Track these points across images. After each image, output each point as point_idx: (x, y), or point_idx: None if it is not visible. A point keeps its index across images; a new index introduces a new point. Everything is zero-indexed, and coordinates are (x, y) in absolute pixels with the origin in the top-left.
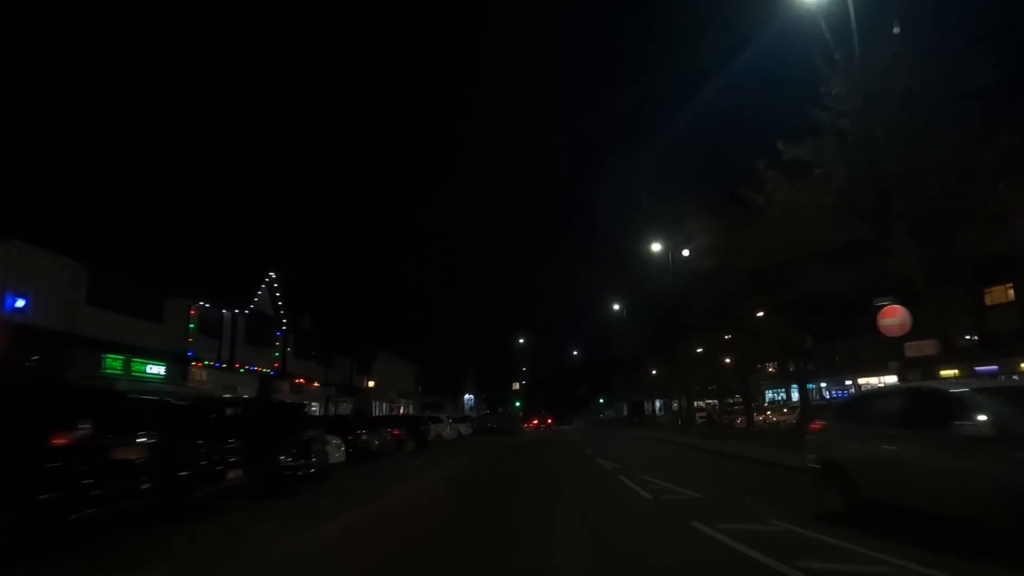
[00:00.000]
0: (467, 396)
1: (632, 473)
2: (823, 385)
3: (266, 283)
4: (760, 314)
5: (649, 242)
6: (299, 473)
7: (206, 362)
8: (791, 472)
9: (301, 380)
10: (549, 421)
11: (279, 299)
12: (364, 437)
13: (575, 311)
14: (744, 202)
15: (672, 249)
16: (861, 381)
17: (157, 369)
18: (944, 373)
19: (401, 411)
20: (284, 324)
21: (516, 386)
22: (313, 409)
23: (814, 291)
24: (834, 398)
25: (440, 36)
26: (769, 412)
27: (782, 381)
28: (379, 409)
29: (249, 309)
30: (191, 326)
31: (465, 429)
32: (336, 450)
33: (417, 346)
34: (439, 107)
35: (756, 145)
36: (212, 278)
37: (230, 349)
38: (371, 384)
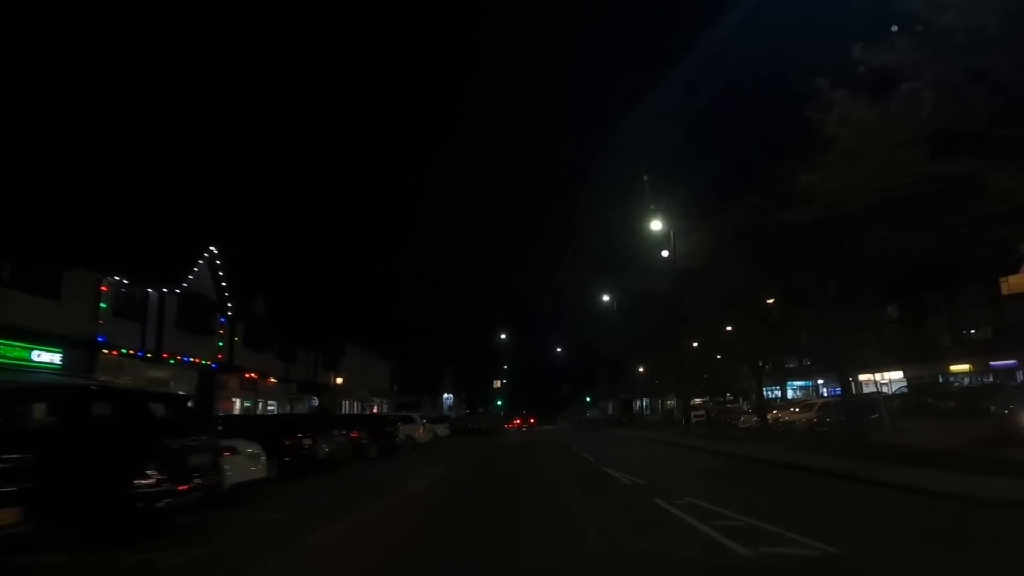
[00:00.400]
0: (446, 395)
1: (670, 494)
2: (820, 382)
3: (205, 259)
4: (771, 301)
5: (649, 225)
6: (160, 504)
7: (123, 350)
8: (917, 496)
9: (253, 375)
10: (532, 421)
11: (222, 279)
12: (307, 443)
13: (559, 308)
14: (792, 147)
15: (675, 230)
16: (862, 378)
17: (49, 356)
18: (954, 368)
19: (375, 410)
20: (229, 309)
21: (497, 384)
22: (270, 408)
23: (872, 258)
24: (832, 395)
25: (419, 33)
26: (775, 411)
27: (776, 378)
28: (350, 408)
29: (182, 288)
30: (102, 305)
31: (442, 430)
32: (253, 462)
33: (393, 342)
34: (428, 104)
35: (811, 68)
36: (131, 248)
37: (157, 335)
38: (339, 381)
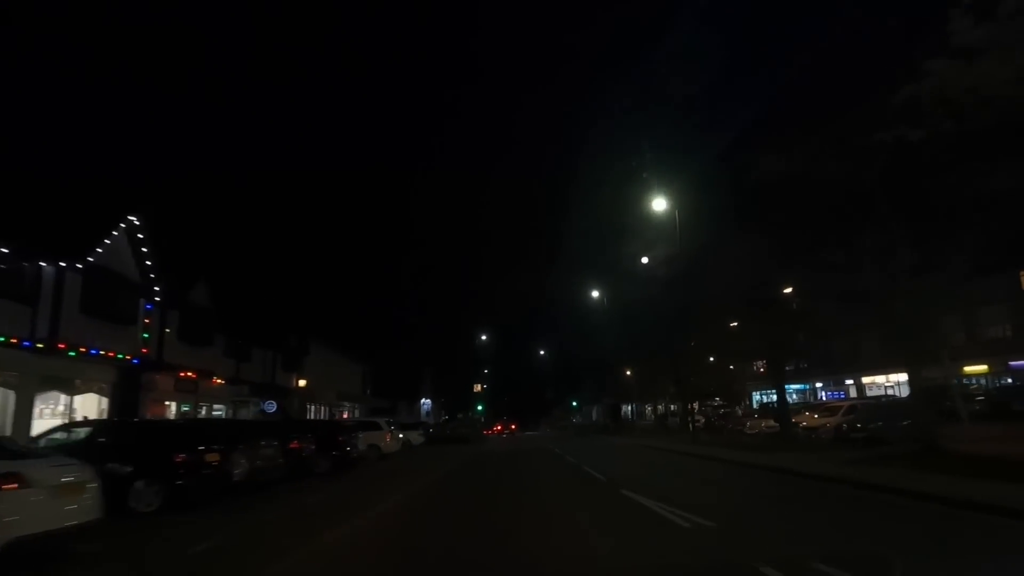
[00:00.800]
0: (424, 400)
1: (773, 551)
2: (819, 385)
3: (123, 230)
4: (789, 290)
5: (653, 206)
6: None
7: (0, 338)
8: None
9: (190, 374)
10: (513, 427)
11: (147, 256)
12: (212, 458)
13: (544, 311)
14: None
15: (679, 211)
16: (865, 380)
17: None
18: (969, 369)
19: (344, 416)
20: (157, 293)
21: (477, 388)
22: (216, 412)
23: (980, 205)
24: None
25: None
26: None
27: (772, 382)
28: (316, 414)
29: (87, 264)
30: None
31: (417, 437)
32: (69, 497)
33: (366, 343)
34: (419, 103)
35: None
36: (17, 211)
37: (51, 321)
38: (302, 384)
